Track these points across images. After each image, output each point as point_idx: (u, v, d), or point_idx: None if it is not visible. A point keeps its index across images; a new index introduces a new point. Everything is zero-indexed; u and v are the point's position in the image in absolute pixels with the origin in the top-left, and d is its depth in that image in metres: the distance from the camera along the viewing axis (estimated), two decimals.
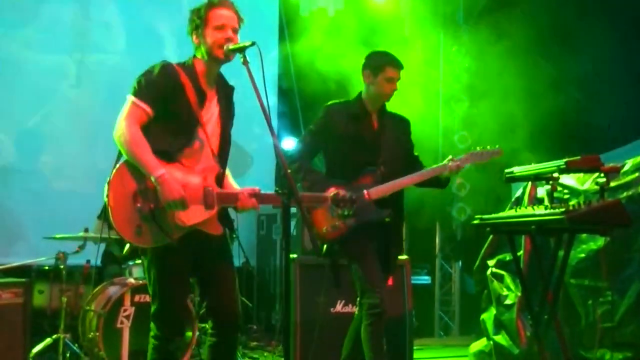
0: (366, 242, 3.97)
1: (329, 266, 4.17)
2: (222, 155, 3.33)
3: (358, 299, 4.03)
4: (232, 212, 3.34)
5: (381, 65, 4.05)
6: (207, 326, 3.33)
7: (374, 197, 3.94)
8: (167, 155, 3.14)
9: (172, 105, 3.17)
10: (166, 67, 3.21)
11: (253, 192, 3.17)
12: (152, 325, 3.22)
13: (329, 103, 4.16)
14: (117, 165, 3.12)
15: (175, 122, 3.19)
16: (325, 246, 3.98)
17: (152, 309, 3.21)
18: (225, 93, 3.38)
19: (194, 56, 3.31)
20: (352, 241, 3.94)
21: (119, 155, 3.17)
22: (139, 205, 3.04)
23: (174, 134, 3.18)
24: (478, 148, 4.14)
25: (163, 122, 3.17)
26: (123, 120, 3.12)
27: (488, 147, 4.13)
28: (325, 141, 4.10)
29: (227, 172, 3.40)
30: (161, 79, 3.16)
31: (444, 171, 4.04)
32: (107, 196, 3.06)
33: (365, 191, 3.93)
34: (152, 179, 3.03)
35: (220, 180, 3.29)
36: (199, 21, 3.24)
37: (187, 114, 3.19)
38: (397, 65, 4.08)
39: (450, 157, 4.11)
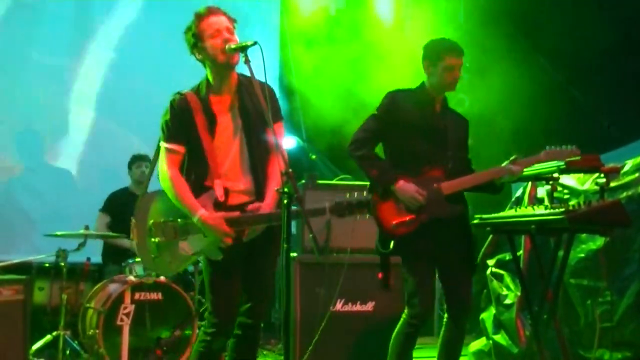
0: (433, 241, 3.70)
1: (379, 266, 3.91)
2: (255, 164, 3.33)
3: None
4: None
5: (439, 53, 3.81)
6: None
7: (447, 192, 3.72)
8: (200, 188, 3.28)
9: (188, 137, 3.30)
10: (173, 102, 3.33)
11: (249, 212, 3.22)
12: (205, 322, 3.38)
13: (392, 90, 3.91)
14: (138, 203, 3.38)
15: (195, 156, 3.31)
16: (392, 242, 3.73)
17: (208, 307, 3.36)
18: (247, 96, 3.35)
19: (205, 80, 3.37)
20: (419, 238, 3.69)
21: (143, 189, 3.49)
22: (151, 239, 3.26)
23: (198, 164, 3.30)
24: (553, 147, 3.76)
25: (189, 155, 3.33)
26: (163, 168, 3.30)
27: (563, 145, 3.76)
28: (390, 128, 3.81)
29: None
30: (172, 116, 3.31)
31: (506, 173, 3.77)
32: (132, 231, 3.37)
33: (435, 185, 3.72)
34: (194, 220, 3.18)
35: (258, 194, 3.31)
36: (194, 38, 3.28)
37: (200, 147, 3.28)
38: (457, 51, 3.83)
39: (514, 156, 3.80)
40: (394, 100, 3.86)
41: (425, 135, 3.79)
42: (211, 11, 3.29)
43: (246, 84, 3.34)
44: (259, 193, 3.31)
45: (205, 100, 3.31)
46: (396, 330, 3.81)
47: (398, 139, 3.83)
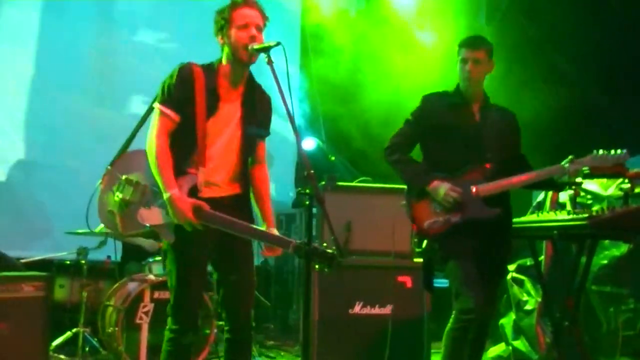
0: (469, 241, 3.66)
1: (422, 267, 3.90)
2: (243, 158, 3.31)
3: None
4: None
5: (458, 47, 3.85)
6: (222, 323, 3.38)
7: (483, 195, 3.68)
8: (179, 169, 3.18)
9: (184, 111, 3.21)
10: (182, 69, 3.24)
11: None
12: (168, 319, 3.27)
13: (426, 93, 3.91)
14: (124, 153, 3.24)
15: (184, 130, 3.22)
16: (425, 242, 3.76)
17: (170, 301, 3.26)
18: (254, 94, 3.34)
19: (221, 58, 3.32)
20: (454, 238, 3.68)
21: (127, 142, 3.27)
22: (117, 193, 3.18)
23: (185, 139, 3.21)
24: (601, 151, 3.66)
25: (178, 128, 3.22)
26: (152, 130, 3.20)
27: (612, 150, 3.64)
28: (424, 132, 3.84)
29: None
30: (177, 82, 3.21)
31: (560, 172, 3.69)
32: (103, 177, 3.30)
33: (473, 187, 3.68)
34: (165, 197, 3.10)
35: (242, 184, 3.30)
36: (223, 22, 3.24)
37: (192, 123, 3.21)
38: (470, 45, 3.82)
39: (570, 157, 3.70)
40: (427, 103, 3.87)
41: (461, 138, 3.76)
42: (247, 3, 3.25)
43: (257, 85, 3.35)
44: (239, 192, 3.29)
45: (213, 80, 3.26)
46: (447, 327, 3.76)
47: (433, 143, 3.83)
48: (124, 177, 3.20)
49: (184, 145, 3.20)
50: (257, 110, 3.33)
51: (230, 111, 3.28)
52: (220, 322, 5.57)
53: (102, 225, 5.28)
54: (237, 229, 3.13)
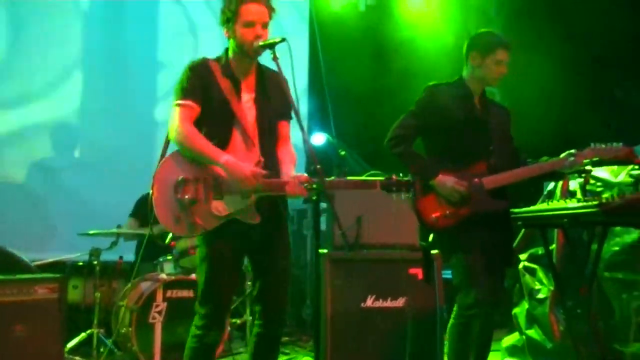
0: (476, 234, 3.66)
1: (422, 259, 3.99)
2: (263, 142, 3.29)
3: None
4: None
5: (491, 46, 3.74)
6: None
7: (489, 187, 3.69)
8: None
9: (207, 96, 3.22)
10: (194, 62, 3.29)
11: (301, 180, 3.13)
12: (196, 315, 3.27)
13: (430, 84, 3.86)
14: (163, 159, 3.22)
15: (212, 115, 3.24)
16: (432, 235, 3.78)
17: (197, 296, 3.26)
18: (266, 81, 3.34)
19: (227, 49, 3.34)
20: (460, 232, 3.67)
21: (165, 149, 3.29)
22: (178, 196, 3.14)
23: (214, 128, 3.23)
24: (599, 143, 3.70)
25: (204, 119, 3.24)
26: (175, 123, 3.20)
27: (613, 143, 3.71)
28: (429, 124, 3.78)
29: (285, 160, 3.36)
30: (192, 72, 3.25)
31: (561, 166, 3.73)
32: (152, 187, 3.17)
33: (476, 179, 3.69)
34: (220, 165, 3.12)
35: (270, 167, 3.26)
36: (230, 14, 3.25)
37: (221, 104, 3.23)
38: (508, 46, 3.75)
39: (572, 151, 3.74)
40: (433, 94, 3.82)
41: (466, 130, 3.74)
42: None
43: (267, 73, 3.35)
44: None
45: (227, 66, 3.29)
46: (449, 322, 3.78)
47: (438, 135, 3.79)
48: (180, 177, 3.16)
49: (223, 131, 3.22)
50: (271, 95, 3.32)
51: (245, 101, 3.30)
52: (234, 320, 5.60)
53: (115, 228, 5.34)
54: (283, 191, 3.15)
